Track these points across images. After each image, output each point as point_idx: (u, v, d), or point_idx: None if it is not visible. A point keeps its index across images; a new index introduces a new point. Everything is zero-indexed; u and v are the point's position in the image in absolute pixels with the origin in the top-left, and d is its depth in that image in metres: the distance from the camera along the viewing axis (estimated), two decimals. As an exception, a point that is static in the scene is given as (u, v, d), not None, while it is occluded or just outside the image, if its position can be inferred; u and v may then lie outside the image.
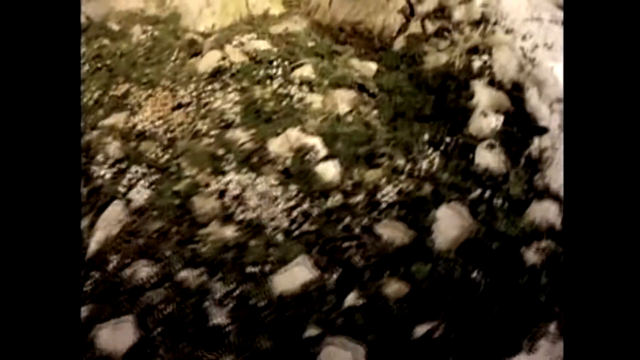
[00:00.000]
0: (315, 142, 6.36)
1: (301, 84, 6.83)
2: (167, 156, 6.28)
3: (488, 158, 6.34)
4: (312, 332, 5.14)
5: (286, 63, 7.06)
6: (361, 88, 6.93)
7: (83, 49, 7.40)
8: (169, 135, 6.45)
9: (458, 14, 7.36)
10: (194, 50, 7.39)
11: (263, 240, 5.75)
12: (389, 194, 5.98)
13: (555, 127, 6.68)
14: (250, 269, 5.51)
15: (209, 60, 7.15)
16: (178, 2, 8.25)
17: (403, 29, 7.50)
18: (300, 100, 6.70)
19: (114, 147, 6.41)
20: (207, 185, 6.01)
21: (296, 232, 5.79)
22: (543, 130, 6.66)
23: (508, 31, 7.25)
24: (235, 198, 5.96)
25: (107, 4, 8.32)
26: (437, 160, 6.27)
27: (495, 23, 7.28)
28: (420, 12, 7.48)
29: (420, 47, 7.22)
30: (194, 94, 6.81)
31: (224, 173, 6.15)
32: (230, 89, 6.79)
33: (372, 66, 7.19)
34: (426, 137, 6.48)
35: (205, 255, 5.57)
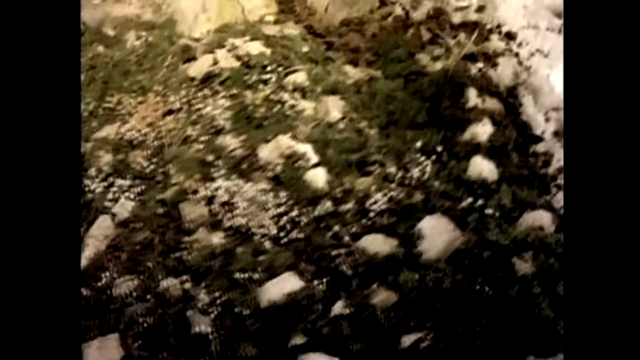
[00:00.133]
0: (306, 149, 6.31)
1: (294, 90, 6.77)
2: (154, 165, 6.24)
3: (481, 166, 6.27)
4: (297, 340, 5.06)
5: (280, 69, 7.00)
6: (354, 95, 6.85)
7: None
8: (157, 142, 6.39)
9: (453, 20, 7.27)
10: (187, 55, 7.35)
11: (251, 248, 5.69)
12: (379, 202, 5.91)
13: (551, 136, 6.60)
14: (237, 277, 5.44)
15: (200, 65, 7.11)
16: (174, 8, 8.22)
17: (398, 35, 7.42)
18: (292, 106, 6.64)
19: (105, 161, 6.36)
20: (196, 191, 5.95)
21: (284, 240, 5.73)
22: (538, 139, 6.58)
23: (504, 38, 7.18)
24: (223, 205, 5.91)
25: (103, 9, 8.32)
26: (429, 168, 6.21)
27: (491, 30, 7.22)
28: (415, 19, 7.41)
29: (415, 54, 7.14)
30: (185, 99, 6.76)
31: (213, 179, 6.08)
32: (221, 95, 6.73)
33: (366, 73, 7.12)
34: (419, 144, 6.42)
35: (190, 263, 5.50)
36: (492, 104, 6.66)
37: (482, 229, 5.76)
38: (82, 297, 5.32)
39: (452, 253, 5.64)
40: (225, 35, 7.51)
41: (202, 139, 6.46)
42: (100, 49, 7.72)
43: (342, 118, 6.61)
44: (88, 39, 7.86)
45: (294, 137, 6.36)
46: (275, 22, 7.91)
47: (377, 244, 5.69)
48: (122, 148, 6.46)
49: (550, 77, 6.92)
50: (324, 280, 5.44)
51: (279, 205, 5.87)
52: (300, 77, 6.94)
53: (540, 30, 7.36)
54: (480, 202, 5.94)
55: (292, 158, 6.22)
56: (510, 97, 6.74)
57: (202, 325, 5.10)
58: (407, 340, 5.08)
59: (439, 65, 7.02)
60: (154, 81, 7.07)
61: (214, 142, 6.43)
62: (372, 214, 5.86)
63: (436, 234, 5.74)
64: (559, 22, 7.35)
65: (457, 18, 7.32)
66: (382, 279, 5.45)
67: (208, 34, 7.76)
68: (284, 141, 6.32)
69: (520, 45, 7.14)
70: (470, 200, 5.95)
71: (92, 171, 6.27)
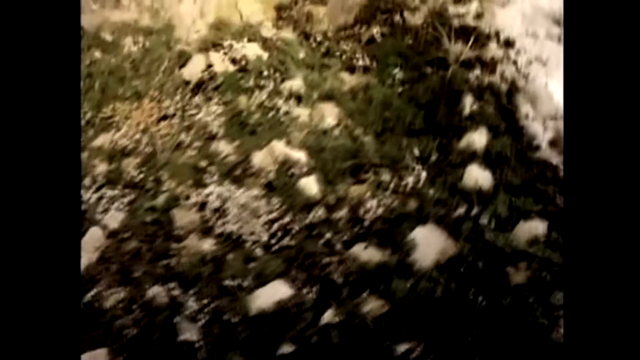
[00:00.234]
0: (300, 155, 6.25)
1: (289, 96, 6.72)
2: (145, 173, 6.21)
3: (477, 174, 6.19)
4: (286, 349, 5.00)
5: (277, 75, 6.95)
6: (350, 101, 6.79)
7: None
8: (150, 149, 6.35)
9: (451, 27, 7.21)
10: (183, 61, 7.31)
11: (241, 255, 5.64)
12: (372, 209, 5.85)
13: (548, 144, 6.53)
14: (226, 284, 5.38)
15: (195, 67, 7.07)
16: (172, 13, 8.18)
17: (395, 42, 7.36)
18: (287, 113, 6.60)
19: (99, 170, 6.33)
20: (188, 197, 5.90)
21: (276, 247, 5.68)
22: (535, 147, 6.50)
23: (502, 46, 7.12)
24: (215, 211, 5.86)
25: (102, 14, 8.27)
26: (423, 176, 6.14)
27: (489, 37, 7.15)
28: (412, 25, 7.36)
29: (412, 61, 7.08)
30: (179, 105, 6.72)
31: (205, 185, 6.03)
32: (215, 101, 6.70)
33: (362, 79, 7.06)
34: (414, 152, 6.35)
35: (179, 270, 5.45)
36: (489, 111, 6.58)
37: (477, 238, 5.68)
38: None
39: (445, 262, 5.56)
40: (221, 34, 7.43)
41: (196, 144, 6.40)
42: (98, 54, 7.68)
43: (337, 125, 6.55)
44: (86, 44, 7.81)
45: (288, 144, 6.30)
46: (274, 28, 7.80)
47: (369, 252, 5.62)
48: (115, 156, 6.41)
49: (549, 85, 6.85)
50: (315, 288, 5.37)
51: (270, 212, 5.82)
52: (296, 83, 6.88)
53: (539, 38, 7.31)
54: (475, 210, 5.86)
55: (285, 164, 6.17)
56: (507, 105, 6.65)
57: (190, 333, 5.05)
58: (398, 349, 5.01)
59: (435, 72, 6.93)
60: (150, 86, 7.02)
61: (207, 148, 6.36)
62: (365, 222, 5.77)
63: (429, 242, 5.68)
64: (557, 30, 7.28)
65: (455, 25, 7.24)
66: (374, 288, 5.38)
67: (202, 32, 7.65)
68: (278, 147, 6.27)
69: (518, 52, 7.08)
70: (464, 208, 5.86)
71: (87, 181, 6.23)
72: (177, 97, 6.88)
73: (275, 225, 5.75)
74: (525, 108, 6.70)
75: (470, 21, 7.28)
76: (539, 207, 5.96)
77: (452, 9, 7.36)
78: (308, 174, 6.17)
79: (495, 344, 5.00)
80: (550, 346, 5.01)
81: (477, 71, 6.93)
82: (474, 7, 7.36)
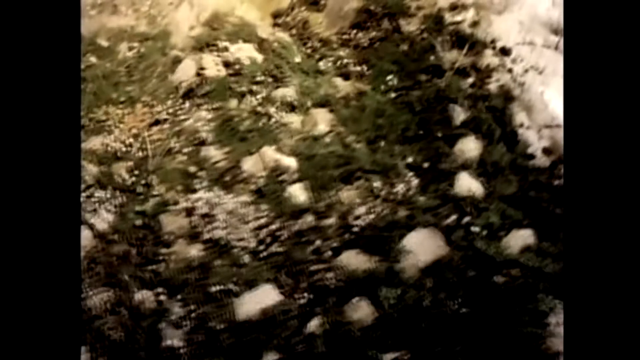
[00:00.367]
0: (291, 162, 6.21)
1: (282, 102, 6.69)
2: (136, 177, 6.20)
3: (469, 183, 6.13)
4: (270, 357, 4.96)
5: (270, 80, 6.92)
6: (343, 108, 6.75)
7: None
8: (141, 153, 6.33)
9: (447, 35, 7.16)
10: (176, 67, 7.29)
11: (229, 261, 5.59)
12: (362, 216, 5.80)
13: (542, 153, 6.46)
14: (213, 290, 5.34)
15: (187, 71, 7.05)
16: (169, 19, 8.20)
17: (389, 48, 7.33)
18: (279, 118, 6.56)
19: (90, 172, 6.31)
20: (177, 203, 5.86)
21: (264, 254, 5.63)
22: (530, 156, 6.44)
23: (498, 54, 7.06)
24: (203, 217, 5.82)
25: (99, 20, 8.31)
26: (415, 184, 6.09)
27: (485, 45, 7.09)
28: (408, 32, 7.32)
29: (406, 68, 7.04)
30: (171, 110, 6.70)
31: (194, 191, 5.99)
32: (205, 106, 6.67)
33: (357, 86, 7.02)
34: (406, 159, 6.30)
35: (166, 275, 5.41)
36: (483, 119, 6.51)
37: (467, 246, 5.62)
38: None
39: (435, 270, 5.49)
40: (216, 34, 7.41)
41: (186, 150, 6.37)
42: (93, 59, 7.69)
43: (330, 131, 6.50)
44: (82, 50, 7.81)
45: (279, 150, 6.26)
46: (270, 36, 7.79)
47: (358, 259, 5.56)
48: (107, 160, 6.39)
49: (544, 93, 6.78)
50: (302, 295, 5.32)
51: (259, 218, 5.77)
52: (289, 89, 6.84)
53: (536, 47, 7.24)
54: (467, 219, 5.79)
55: (276, 171, 6.13)
56: (502, 113, 6.58)
57: (174, 339, 5.01)
58: (384, 359, 4.94)
59: (430, 80, 6.88)
60: (143, 92, 7.02)
61: (197, 154, 6.33)
62: (355, 229, 5.72)
63: (419, 250, 5.62)
64: (555, 39, 7.21)
65: (450, 32, 7.19)
66: (362, 296, 5.32)
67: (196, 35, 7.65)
68: (269, 154, 6.22)
69: (514, 61, 7.01)
70: (456, 216, 5.80)
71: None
72: (169, 103, 6.86)
73: (264, 232, 5.70)
74: (520, 116, 6.63)
75: (466, 29, 7.22)
76: (531, 216, 5.88)
77: (448, 17, 7.30)
78: (298, 180, 6.12)
79: (484, 354, 4.93)
80: (540, 356, 4.93)
81: (471, 79, 6.86)
82: (470, 14, 7.31)
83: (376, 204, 5.90)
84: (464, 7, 7.40)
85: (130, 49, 7.75)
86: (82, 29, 7.96)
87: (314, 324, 5.13)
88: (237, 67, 7.02)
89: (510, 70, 6.96)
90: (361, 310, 5.22)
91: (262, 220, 5.76)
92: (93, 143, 6.62)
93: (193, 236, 5.73)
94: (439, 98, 6.75)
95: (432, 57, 7.07)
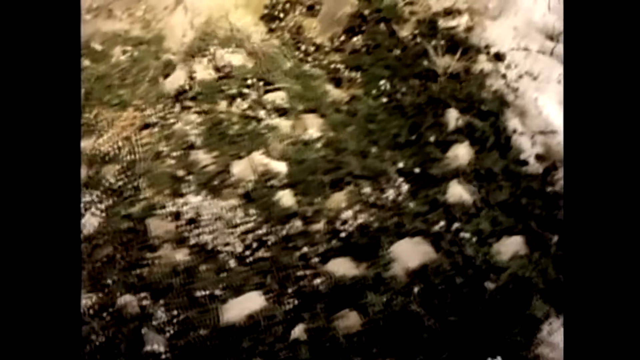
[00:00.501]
0: (280, 166, 6.16)
1: (272, 106, 6.64)
2: (124, 180, 6.16)
3: (461, 189, 6.06)
4: (253, 364, 4.89)
5: (261, 83, 6.87)
6: (334, 113, 6.70)
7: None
8: (130, 157, 6.30)
9: (440, 40, 7.11)
10: (169, 70, 7.27)
11: (215, 266, 5.54)
12: (351, 222, 5.72)
13: (535, 160, 6.38)
14: (197, 295, 5.29)
15: (178, 77, 7.02)
16: (164, 24, 8.19)
17: (382, 54, 7.28)
18: (269, 123, 6.51)
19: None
20: (164, 207, 5.82)
21: (250, 259, 5.58)
22: (522, 163, 6.36)
23: (492, 59, 6.99)
24: (191, 221, 5.76)
25: (94, 24, 8.33)
26: (405, 190, 6.01)
27: (478, 51, 7.03)
28: (401, 37, 7.28)
29: (399, 73, 6.98)
30: (161, 114, 6.66)
31: (182, 195, 5.95)
32: (194, 109, 6.64)
33: (348, 91, 6.98)
34: (397, 165, 6.23)
35: (151, 279, 5.36)
36: (476, 125, 6.44)
37: (457, 253, 5.55)
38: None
39: (423, 276, 5.43)
40: (208, 39, 7.39)
41: (175, 153, 6.33)
42: (87, 62, 7.69)
43: (320, 137, 6.44)
44: (77, 53, 7.81)
45: (269, 154, 6.21)
46: (263, 41, 7.76)
47: (345, 265, 5.50)
48: (96, 162, 6.35)
49: (539, 99, 6.71)
50: (288, 301, 5.26)
51: (246, 223, 5.71)
52: (280, 93, 6.80)
53: (531, 53, 7.17)
54: (457, 225, 5.72)
55: (265, 175, 6.08)
56: (495, 119, 6.51)
57: (156, 344, 4.95)
58: (369, 367, 4.88)
59: (422, 85, 6.82)
60: (135, 95, 7.00)
61: (186, 157, 6.29)
62: (343, 234, 5.66)
63: (408, 256, 5.56)
64: (550, 45, 7.15)
65: (444, 37, 7.14)
66: (348, 302, 5.26)
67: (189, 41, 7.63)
68: (258, 158, 6.17)
69: (508, 66, 6.95)
70: (446, 223, 5.73)
71: (64, 184, 6.16)
72: (160, 106, 6.83)
73: (250, 237, 5.64)
74: (513, 122, 6.56)
75: (460, 34, 7.16)
76: (523, 223, 5.81)
77: (442, 22, 7.25)
78: (288, 185, 6.07)
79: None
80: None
81: (464, 84, 6.79)
82: (464, 20, 7.25)
83: (365, 210, 5.82)
84: (459, 13, 7.35)
85: (124, 52, 7.75)
86: (78, 33, 7.94)
87: (298, 330, 5.05)
88: (227, 70, 6.98)
89: (504, 76, 6.89)
90: (347, 317, 5.15)
91: (249, 225, 5.71)
92: (83, 146, 6.59)
93: (179, 240, 5.70)
94: (430, 103, 6.68)
95: (425, 62, 6.99)
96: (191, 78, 7.03)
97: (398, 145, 6.48)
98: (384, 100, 6.84)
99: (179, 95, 6.89)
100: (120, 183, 6.12)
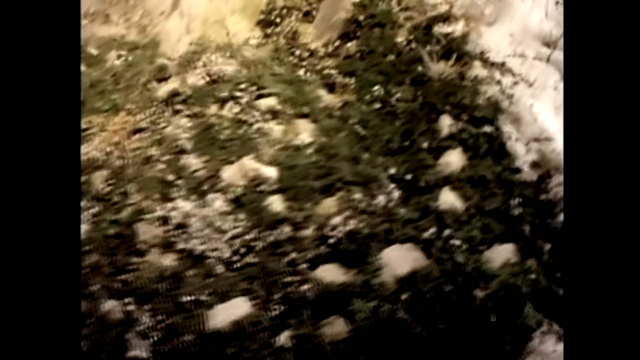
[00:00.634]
0: (270, 172, 6.11)
1: (264, 111, 6.59)
2: (112, 186, 6.10)
3: (452, 196, 6.00)
4: (237, 370, 4.83)
5: (253, 88, 6.83)
6: (326, 118, 6.65)
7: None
8: (119, 162, 6.25)
9: (435, 46, 7.06)
10: (162, 75, 7.24)
11: (202, 271, 5.48)
12: (340, 228, 5.66)
13: (530, 167, 6.31)
14: (183, 300, 5.24)
15: (170, 83, 6.99)
16: (159, 29, 8.17)
17: (376, 59, 7.23)
18: (260, 128, 6.46)
19: None
20: (152, 212, 5.77)
21: (237, 264, 5.52)
22: (516, 170, 6.30)
23: (487, 66, 6.93)
24: (179, 226, 5.71)
25: (90, 29, 8.30)
26: (396, 196, 5.96)
27: (473, 57, 6.97)
28: (395, 42, 7.23)
29: (393, 79, 6.93)
30: (152, 118, 6.63)
31: (171, 200, 5.90)
32: (185, 114, 6.60)
33: (341, 97, 6.93)
34: (388, 171, 6.19)
35: (136, 285, 5.31)
36: (469, 132, 6.37)
37: (447, 260, 5.49)
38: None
39: (412, 283, 5.36)
40: (202, 48, 7.37)
41: (165, 158, 6.28)
42: (82, 67, 7.64)
43: (312, 142, 6.39)
44: (72, 58, 7.78)
45: (259, 159, 6.15)
46: (258, 46, 7.73)
47: (334, 272, 5.44)
48: (85, 168, 6.30)
49: (534, 106, 6.65)
50: (274, 308, 5.20)
51: (235, 228, 5.65)
52: (272, 99, 6.75)
53: (527, 59, 7.12)
54: (447, 232, 5.66)
55: (255, 180, 6.03)
56: (489, 126, 6.44)
57: (140, 349, 4.90)
58: (355, 375, 4.82)
59: (416, 91, 6.77)
60: (127, 100, 6.97)
61: (176, 162, 6.25)
62: (332, 241, 5.59)
63: (397, 263, 5.50)
64: (547, 51, 7.10)
65: (439, 43, 7.08)
66: (336, 309, 5.21)
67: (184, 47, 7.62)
68: (248, 163, 6.12)
69: (503, 73, 6.89)
70: (436, 230, 5.67)
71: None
72: (151, 110, 6.79)
73: (239, 242, 5.58)
74: (507, 129, 6.49)
75: (455, 40, 7.09)
76: (514, 231, 5.74)
77: (437, 28, 7.20)
78: (278, 190, 6.02)
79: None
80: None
81: (458, 91, 6.72)
82: (459, 26, 7.20)
83: (355, 216, 5.75)
84: (454, 19, 7.29)
85: (119, 57, 7.73)
86: (74, 38, 7.92)
87: (284, 337, 4.99)
88: (221, 74, 6.94)
89: (499, 82, 6.83)
90: (334, 324, 5.10)
91: (238, 230, 5.65)
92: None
93: (167, 245, 5.64)
94: (424, 110, 6.62)
95: (419, 68, 6.93)
96: (184, 82, 6.96)
97: (390, 152, 6.42)
98: (377, 105, 6.79)
99: (171, 98, 6.84)
100: (108, 189, 6.05)
